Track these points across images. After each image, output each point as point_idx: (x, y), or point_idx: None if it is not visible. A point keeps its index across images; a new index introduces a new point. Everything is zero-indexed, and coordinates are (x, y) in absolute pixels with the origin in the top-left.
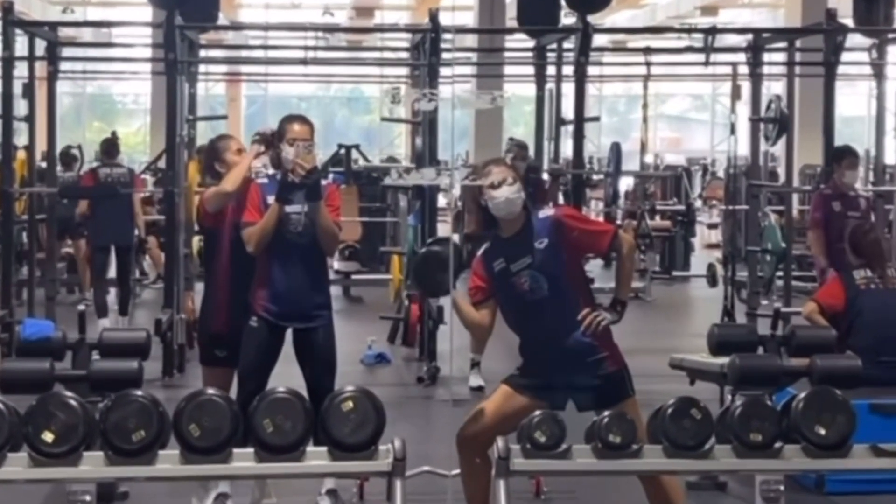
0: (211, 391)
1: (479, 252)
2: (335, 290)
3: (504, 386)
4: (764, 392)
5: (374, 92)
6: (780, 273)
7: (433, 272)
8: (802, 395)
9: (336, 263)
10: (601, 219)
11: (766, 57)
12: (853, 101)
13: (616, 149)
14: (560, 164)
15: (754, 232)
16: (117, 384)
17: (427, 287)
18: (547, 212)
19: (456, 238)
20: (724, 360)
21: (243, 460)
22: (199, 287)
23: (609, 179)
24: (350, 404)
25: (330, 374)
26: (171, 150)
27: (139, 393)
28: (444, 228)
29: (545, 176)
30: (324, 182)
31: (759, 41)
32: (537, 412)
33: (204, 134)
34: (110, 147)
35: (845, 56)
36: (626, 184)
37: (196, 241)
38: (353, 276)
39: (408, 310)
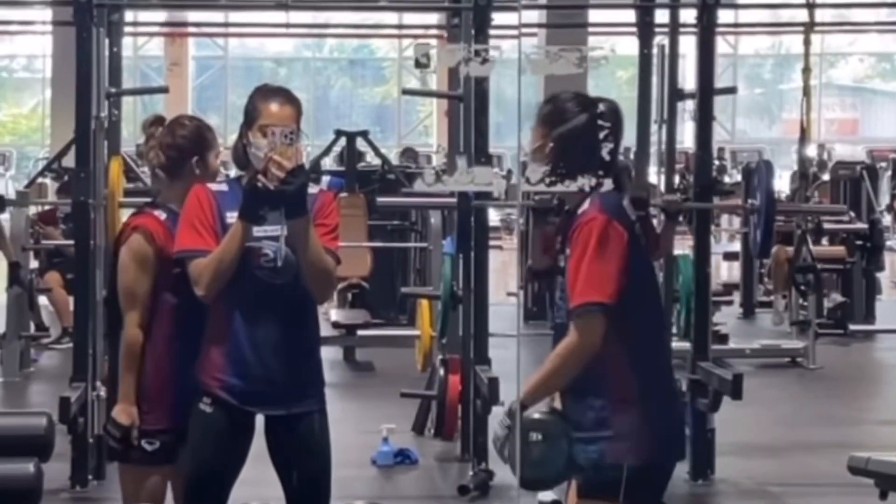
0: None
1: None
2: (333, 353)
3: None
4: None
5: (390, 51)
6: None
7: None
8: None
9: (333, 313)
10: (737, 244)
11: None
12: None
13: (765, 173)
14: (680, 187)
15: None
16: (3, 499)
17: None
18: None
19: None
20: None
21: None
22: None
23: (754, 219)
24: None
25: (322, 483)
26: (84, 141)
27: None
28: (498, 258)
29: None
30: (313, 189)
31: None
32: None
33: (132, 116)
34: None
35: None
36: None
37: None
38: (360, 333)
39: (443, 384)
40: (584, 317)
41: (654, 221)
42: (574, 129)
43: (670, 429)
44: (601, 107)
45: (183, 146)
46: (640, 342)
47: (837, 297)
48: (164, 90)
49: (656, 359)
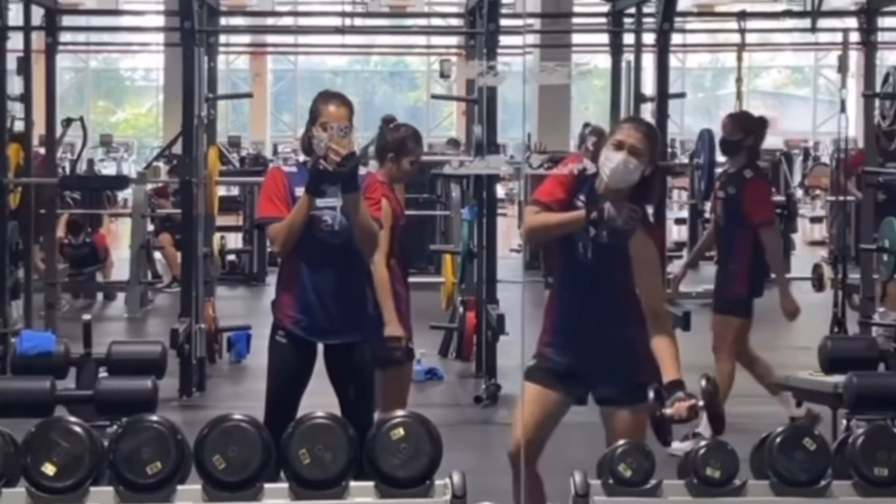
0: (238, 416)
1: (576, 166)
2: None
3: (530, 387)
4: (887, 417)
5: (421, 65)
6: None
7: None
8: None
9: None
10: (686, 212)
11: (882, 21)
12: None
13: (708, 138)
14: None
15: (868, 227)
16: (129, 407)
17: None
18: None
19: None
20: (838, 378)
21: (277, 497)
22: (221, 291)
23: (699, 173)
24: (401, 432)
25: (368, 396)
26: (189, 134)
27: (154, 418)
28: (503, 223)
29: None
30: (362, 171)
31: (873, 3)
32: (622, 442)
33: (224, 115)
34: None
35: None
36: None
37: (217, 239)
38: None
39: (462, 318)
40: None
41: None
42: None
43: None
44: None
45: (386, 143)
46: None
47: None
48: (249, 95)
49: None
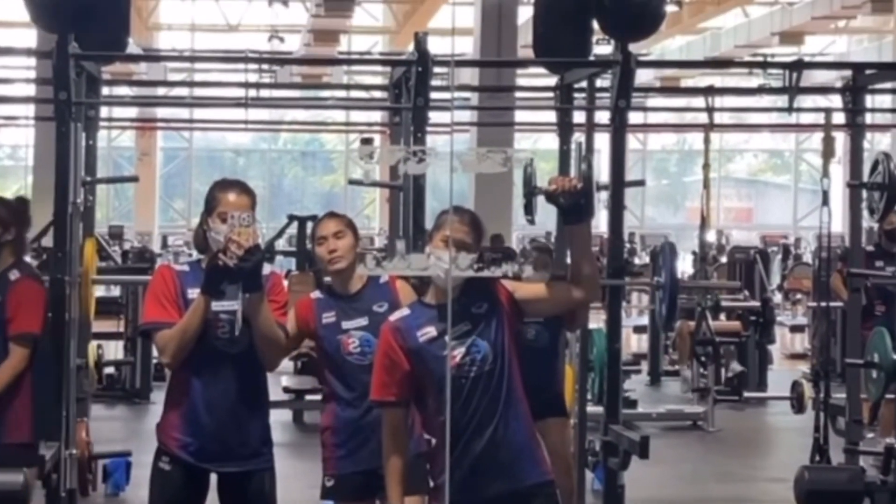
0: None
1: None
2: (282, 415)
3: None
4: None
5: (338, 144)
6: (892, 395)
7: None
8: None
9: (284, 379)
10: (645, 318)
11: (870, 101)
12: None
13: (669, 253)
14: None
15: (855, 339)
16: None
17: None
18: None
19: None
20: None
21: None
22: (96, 411)
23: (660, 294)
24: None
25: None
26: (61, 224)
27: None
28: None
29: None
30: (267, 269)
31: (860, 80)
32: None
33: (105, 201)
34: None
35: None
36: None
37: (93, 348)
38: (308, 397)
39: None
40: None
41: None
42: None
43: None
44: None
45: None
46: None
47: (736, 367)
48: (134, 179)
49: None
